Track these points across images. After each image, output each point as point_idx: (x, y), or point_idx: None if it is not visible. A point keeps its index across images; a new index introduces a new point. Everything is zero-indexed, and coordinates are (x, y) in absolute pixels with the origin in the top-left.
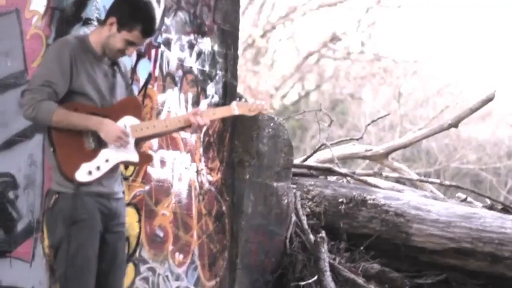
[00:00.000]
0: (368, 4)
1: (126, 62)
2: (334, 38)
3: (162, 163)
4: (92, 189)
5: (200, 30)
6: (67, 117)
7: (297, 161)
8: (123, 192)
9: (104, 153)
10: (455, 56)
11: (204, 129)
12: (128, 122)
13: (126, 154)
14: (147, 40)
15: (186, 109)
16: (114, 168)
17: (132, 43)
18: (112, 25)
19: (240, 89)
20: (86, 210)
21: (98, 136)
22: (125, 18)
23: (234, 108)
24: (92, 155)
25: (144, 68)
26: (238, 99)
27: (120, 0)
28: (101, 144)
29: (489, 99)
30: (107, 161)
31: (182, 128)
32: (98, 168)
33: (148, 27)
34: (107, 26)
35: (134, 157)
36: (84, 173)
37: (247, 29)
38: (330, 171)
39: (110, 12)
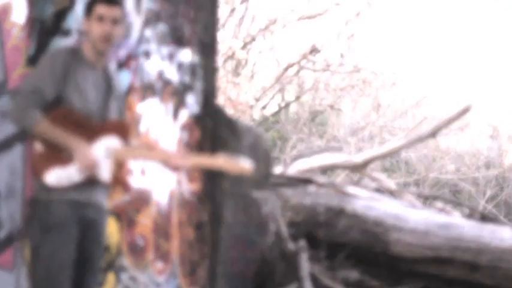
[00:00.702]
0: (347, 16)
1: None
2: (314, 50)
3: (143, 172)
4: (67, 197)
5: (180, 42)
6: (48, 132)
7: (276, 171)
8: (105, 204)
9: None
10: (434, 68)
11: (184, 139)
12: (110, 143)
13: (99, 170)
14: (116, 10)
15: (166, 119)
16: (90, 179)
17: (103, 18)
18: (86, 20)
19: (220, 100)
20: (60, 216)
21: None
22: (87, 8)
23: (219, 162)
24: (67, 161)
25: (124, 79)
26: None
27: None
28: None
29: (466, 110)
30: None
31: (161, 162)
32: (68, 176)
33: None
34: (85, 24)
35: (106, 175)
36: (54, 176)
37: (227, 40)
38: (309, 181)
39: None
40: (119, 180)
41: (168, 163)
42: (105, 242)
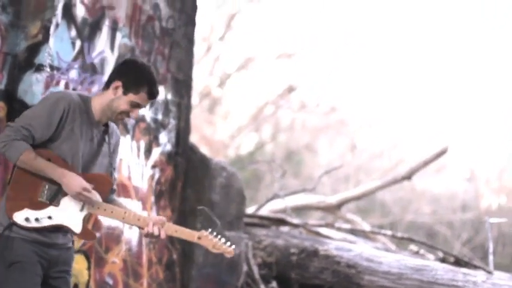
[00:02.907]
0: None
1: None
2: (291, 89)
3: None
4: (30, 236)
5: None
6: (34, 160)
7: (249, 210)
8: (73, 242)
9: (50, 210)
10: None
11: (156, 177)
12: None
13: (70, 221)
14: (149, 102)
15: (138, 157)
16: (56, 227)
17: (137, 105)
18: (117, 88)
19: (195, 138)
20: (22, 253)
21: (54, 192)
22: (130, 81)
23: (199, 237)
24: (39, 205)
25: None
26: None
27: (124, 64)
28: (52, 201)
29: (442, 153)
30: (49, 217)
31: (138, 226)
32: (37, 220)
33: (153, 89)
34: (111, 90)
35: (77, 228)
36: (23, 217)
37: (203, 78)
38: (282, 222)
39: (114, 77)
40: (88, 232)
41: (143, 229)
42: (73, 281)
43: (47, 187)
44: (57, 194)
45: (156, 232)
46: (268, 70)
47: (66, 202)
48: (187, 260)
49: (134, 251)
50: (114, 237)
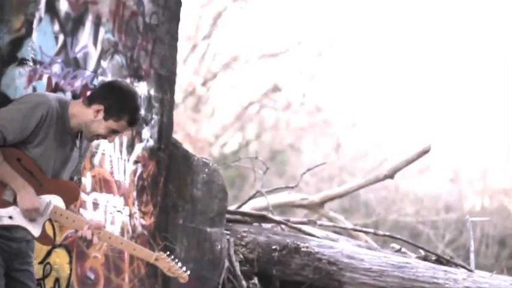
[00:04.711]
0: (309, 56)
1: None
2: (275, 89)
3: (95, 205)
4: None
5: (137, 74)
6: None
7: (232, 207)
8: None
9: (12, 210)
10: (395, 110)
11: (139, 172)
12: (55, 201)
13: (30, 224)
14: (129, 129)
15: (121, 152)
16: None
17: (115, 131)
18: (98, 112)
19: (179, 136)
20: None
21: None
22: (112, 108)
23: (156, 259)
24: (1, 204)
25: None
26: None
27: (108, 88)
28: (15, 201)
29: (425, 152)
30: (10, 217)
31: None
32: (6, 216)
33: (134, 117)
34: (92, 111)
35: (36, 232)
36: None
37: (188, 77)
38: (264, 219)
39: (97, 98)
40: (46, 237)
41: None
42: (54, 275)
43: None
44: None
45: (88, 237)
46: (253, 69)
47: None
48: (168, 255)
49: None
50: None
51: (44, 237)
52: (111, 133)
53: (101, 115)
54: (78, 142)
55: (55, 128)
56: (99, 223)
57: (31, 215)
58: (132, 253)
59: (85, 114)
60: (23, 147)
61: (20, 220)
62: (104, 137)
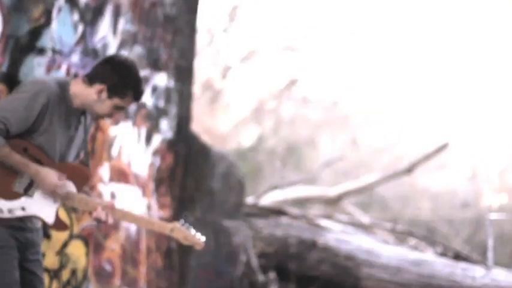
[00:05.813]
0: (327, 50)
1: None
2: (293, 83)
3: (113, 196)
4: (4, 222)
5: (156, 65)
6: (9, 156)
7: (249, 201)
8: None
9: (24, 201)
10: (413, 106)
11: (157, 164)
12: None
13: (43, 212)
14: (133, 103)
15: (138, 143)
16: (28, 217)
17: (121, 108)
18: (101, 92)
19: (196, 129)
20: (1, 237)
21: (29, 184)
22: (115, 86)
23: (172, 229)
24: (13, 196)
25: None
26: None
27: (108, 67)
28: (26, 191)
29: (443, 147)
30: (22, 209)
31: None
32: (10, 211)
33: (139, 91)
34: (95, 92)
35: (50, 219)
36: None
37: (205, 70)
38: (281, 212)
39: (98, 78)
40: (61, 223)
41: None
42: (71, 266)
43: (24, 178)
44: (31, 185)
45: (103, 218)
46: (270, 63)
47: (40, 193)
48: (186, 248)
49: (133, 238)
50: (113, 223)
51: (58, 223)
52: (118, 110)
53: (104, 95)
54: (83, 119)
55: (58, 113)
56: (111, 202)
57: (57, 190)
58: (148, 227)
59: (88, 94)
60: (28, 136)
61: (33, 209)
62: (109, 115)
